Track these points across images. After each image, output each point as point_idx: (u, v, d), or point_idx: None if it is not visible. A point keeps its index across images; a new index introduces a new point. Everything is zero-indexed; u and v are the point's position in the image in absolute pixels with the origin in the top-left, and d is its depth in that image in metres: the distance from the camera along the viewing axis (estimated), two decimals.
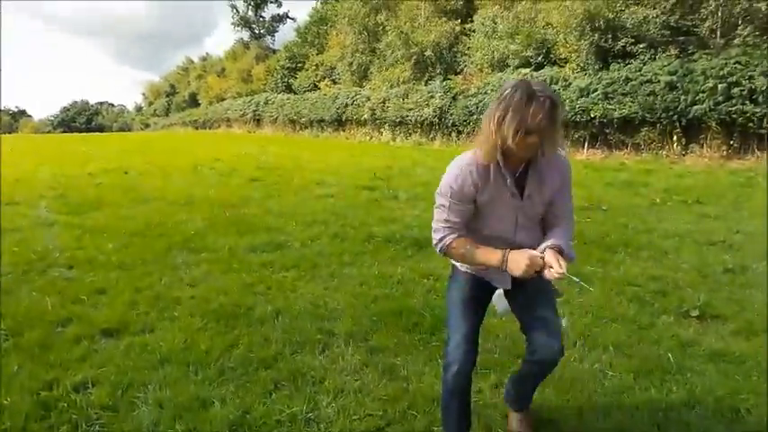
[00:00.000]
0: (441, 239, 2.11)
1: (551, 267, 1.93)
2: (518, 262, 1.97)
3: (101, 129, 67.73)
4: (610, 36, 14.97)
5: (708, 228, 6.10)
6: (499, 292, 2.29)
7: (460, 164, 2.05)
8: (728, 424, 2.45)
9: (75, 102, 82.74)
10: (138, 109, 73.36)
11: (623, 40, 14.69)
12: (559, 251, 2.01)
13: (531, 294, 2.18)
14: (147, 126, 62.59)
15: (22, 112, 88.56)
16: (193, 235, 5.84)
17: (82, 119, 77.36)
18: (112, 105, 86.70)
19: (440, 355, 3.09)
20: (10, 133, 54.51)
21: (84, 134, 46.59)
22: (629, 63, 14.42)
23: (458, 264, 2.29)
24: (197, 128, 46.06)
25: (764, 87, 11.14)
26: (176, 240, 5.61)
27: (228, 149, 18.47)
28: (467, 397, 2.18)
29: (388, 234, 5.80)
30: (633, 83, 13.79)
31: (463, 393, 2.16)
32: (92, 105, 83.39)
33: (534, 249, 2.01)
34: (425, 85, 21.07)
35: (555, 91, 15.29)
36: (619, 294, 4.02)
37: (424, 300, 3.93)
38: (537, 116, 1.82)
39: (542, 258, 1.97)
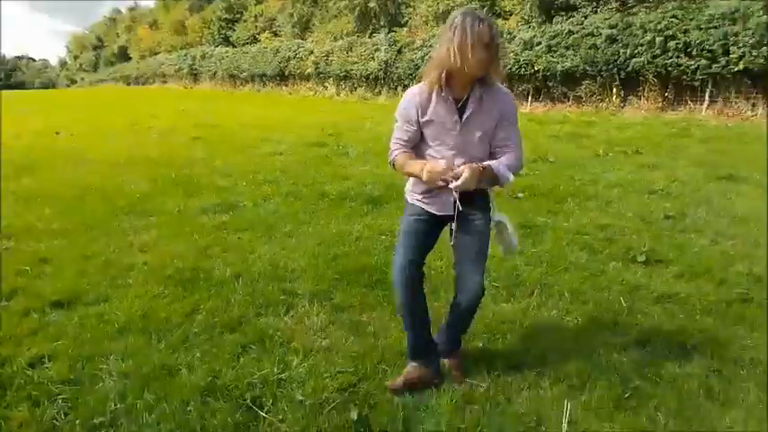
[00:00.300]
0: (390, 153, 2.39)
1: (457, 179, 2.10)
2: (429, 171, 2.15)
3: (21, 86, 63.09)
4: None
5: (648, 177, 6.38)
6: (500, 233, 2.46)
7: (410, 90, 2.33)
8: (677, 360, 2.63)
9: None
10: (63, 64, 68.67)
11: None
12: (487, 169, 2.17)
13: (470, 234, 2.36)
14: (74, 82, 58.86)
15: None
16: (138, 198, 5.61)
17: None
18: (33, 60, 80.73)
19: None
20: None
21: (4, 92, 43.32)
22: (571, 16, 14.59)
23: (407, 196, 2.50)
24: (129, 84, 43.71)
25: (699, 41, 11.55)
26: (121, 204, 5.38)
27: (166, 106, 17.66)
28: (418, 307, 2.45)
29: (342, 191, 5.76)
30: (575, 36, 14.00)
31: (413, 302, 2.41)
32: (8, 60, 77.29)
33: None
34: (370, 38, 20.68)
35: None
36: (570, 243, 4.18)
37: (384, 257, 3.95)
38: (487, 34, 2.08)
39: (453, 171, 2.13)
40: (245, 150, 8.66)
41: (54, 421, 2.26)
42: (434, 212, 2.40)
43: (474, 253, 2.37)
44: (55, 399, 2.39)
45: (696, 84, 12.15)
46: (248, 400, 2.36)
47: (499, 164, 2.22)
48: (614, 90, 13.74)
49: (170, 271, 3.72)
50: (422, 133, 2.32)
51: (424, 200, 2.41)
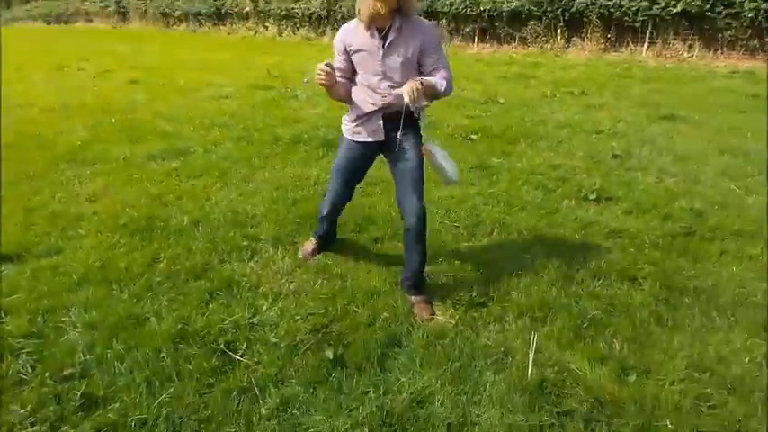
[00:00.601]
0: None
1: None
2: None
3: None
4: None
5: (594, 117, 6.56)
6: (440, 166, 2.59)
7: (344, 25, 2.58)
8: (629, 291, 2.81)
9: None
10: None
11: None
12: (425, 82, 2.37)
13: (402, 161, 2.59)
14: None
15: None
16: (80, 146, 5.30)
17: None
18: None
19: (370, 251, 3.19)
20: None
21: None
22: None
23: (342, 129, 2.75)
24: (49, 23, 40.31)
25: None
26: (60, 152, 5.08)
27: (95, 48, 16.46)
28: (331, 229, 3.12)
29: (294, 135, 5.65)
30: None
31: (331, 223, 3.06)
32: None
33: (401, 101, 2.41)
34: None
35: None
36: (525, 184, 4.30)
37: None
38: None
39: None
40: (188, 94, 8.27)
41: (21, 375, 2.20)
42: (366, 140, 2.64)
43: (409, 179, 2.58)
44: (18, 353, 2.32)
45: (637, 25, 12.39)
46: (222, 345, 2.38)
47: (435, 80, 2.44)
48: (559, 31, 13.84)
49: (124, 220, 3.59)
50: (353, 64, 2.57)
51: (355, 127, 2.65)
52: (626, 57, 12.28)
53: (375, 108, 2.55)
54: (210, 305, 2.68)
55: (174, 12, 27.14)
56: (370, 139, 2.63)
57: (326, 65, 2.42)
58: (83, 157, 4.98)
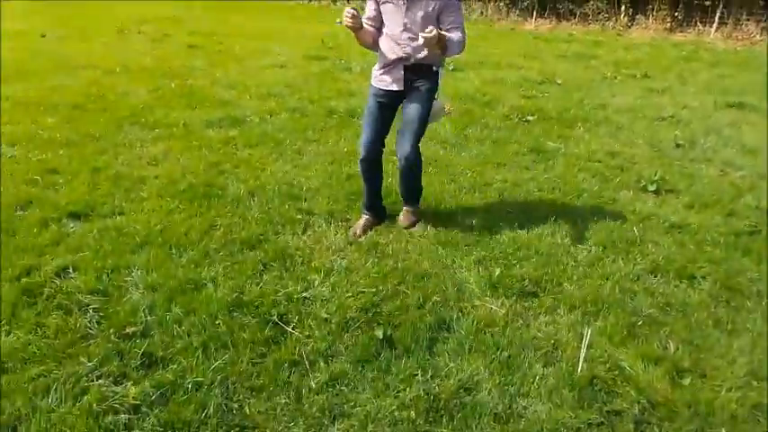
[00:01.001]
0: None
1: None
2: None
3: None
4: None
5: (657, 102, 6.30)
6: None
7: None
8: (687, 290, 2.73)
9: None
10: None
11: None
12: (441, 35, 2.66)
13: (411, 103, 2.97)
14: None
15: None
16: (141, 109, 5.46)
17: None
18: None
19: (422, 233, 3.20)
20: None
21: None
22: None
23: (372, 78, 3.09)
24: None
25: None
26: (123, 114, 5.24)
27: (152, 11, 16.76)
28: (375, 178, 3.21)
29: (349, 109, 5.65)
30: None
31: (371, 175, 3.18)
32: None
33: (420, 51, 2.83)
34: None
35: None
36: (582, 170, 4.19)
37: (396, 178, 3.94)
38: None
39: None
40: (244, 61, 8.35)
41: (88, 329, 2.32)
42: (389, 88, 2.98)
43: (409, 121, 2.95)
44: (86, 308, 2.45)
45: (707, 3, 11.74)
46: (275, 317, 2.44)
47: (449, 33, 2.73)
48: (623, 8, 13.26)
49: (183, 186, 3.70)
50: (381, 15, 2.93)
51: (381, 75, 3.00)
52: (693, 37, 11.69)
53: (397, 57, 2.89)
54: (264, 276, 2.74)
55: None
56: (393, 87, 2.98)
57: (353, 8, 2.76)
58: (144, 119, 5.13)
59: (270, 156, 4.33)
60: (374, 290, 2.66)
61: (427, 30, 2.58)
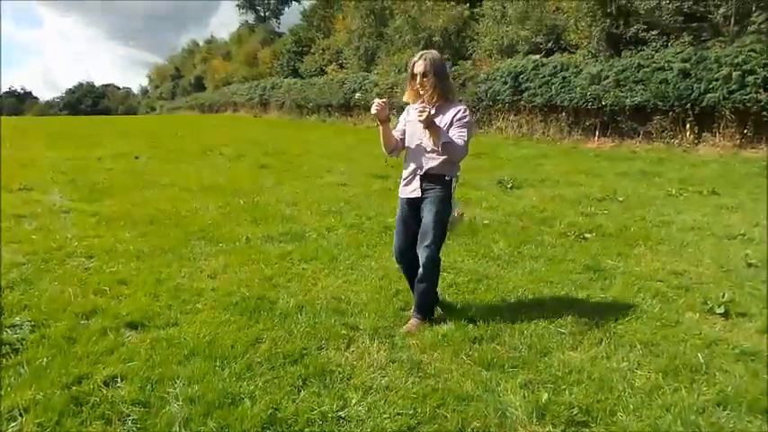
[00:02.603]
0: None
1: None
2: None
3: (107, 111, 67.54)
4: (621, 22, 14.80)
5: (726, 220, 6.05)
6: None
7: (410, 105, 3.39)
8: (762, 426, 2.44)
9: (81, 84, 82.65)
10: (144, 92, 73.21)
11: (635, 27, 14.52)
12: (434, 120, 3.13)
13: (426, 212, 3.30)
14: (153, 109, 62.46)
15: (28, 94, 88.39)
16: (209, 224, 5.84)
17: (88, 101, 77.16)
18: (118, 88, 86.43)
19: (467, 352, 3.09)
20: (16, 115, 54.32)
21: (91, 117, 46.44)
22: (641, 50, 14.25)
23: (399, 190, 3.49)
24: (203, 111, 45.93)
25: None
26: (193, 230, 5.61)
27: (236, 134, 18.42)
28: (411, 274, 3.46)
29: None
30: (645, 70, 13.65)
31: (411, 275, 3.47)
32: (97, 88, 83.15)
33: (432, 162, 3.28)
34: None
35: (564, 78, 15.13)
36: (641, 290, 4.00)
37: (445, 294, 3.91)
38: (418, 67, 3.23)
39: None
40: (310, 179, 8.88)
41: None
42: (408, 196, 3.36)
43: (425, 228, 3.29)
44: (125, 419, 2.48)
45: None
46: None
47: (444, 134, 3.13)
48: (687, 126, 13.22)
49: (236, 298, 3.82)
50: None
51: (403, 187, 3.41)
52: (765, 153, 11.35)
53: (414, 167, 3.32)
54: (302, 392, 2.71)
55: (307, 103, 29.76)
56: (411, 196, 3.35)
57: (382, 100, 3.23)
58: (211, 234, 5.45)
59: (323, 270, 4.44)
60: (412, 412, 2.55)
61: (421, 107, 3.02)
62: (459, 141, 3.18)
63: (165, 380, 2.79)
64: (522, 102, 16.85)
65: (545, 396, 2.62)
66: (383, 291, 3.99)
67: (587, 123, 15.31)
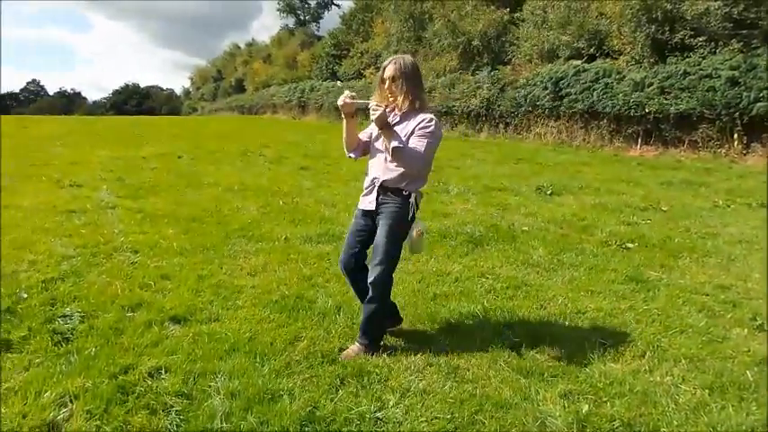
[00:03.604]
0: None
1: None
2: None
3: (151, 111, 69.52)
4: (667, 28, 14.41)
5: None
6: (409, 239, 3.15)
7: None
8: None
9: (127, 85, 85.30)
10: (187, 93, 75.04)
11: (681, 33, 14.12)
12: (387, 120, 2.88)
13: (379, 228, 3.06)
14: (195, 110, 63.98)
15: (78, 95, 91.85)
16: (250, 223, 5.94)
17: (133, 102, 79.61)
18: (161, 89, 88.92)
19: (503, 359, 3.06)
20: (66, 114, 56.48)
21: (136, 117, 47.89)
22: (687, 56, 13.87)
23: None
24: (243, 113, 46.80)
25: None
26: (234, 228, 5.72)
27: (276, 136, 18.70)
28: (356, 288, 3.27)
29: (441, 229, 5.77)
30: (692, 77, 13.28)
31: (353, 280, 3.25)
32: (142, 89, 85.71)
33: (391, 173, 3.01)
34: (472, 75, 20.79)
35: (606, 84, 14.83)
36: (686, 303, 3.89)
37: (483, 300, 3.89)
38: (387, 71, 3.01)
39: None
40: (349, 182, 8.94)
41: (168, 431, 2.40)
42: (364, 208, 3.13)
43: (375, 246, 3.07)
44: (169, 410, 2.55)
45: None
46: None
47: (399, 141, 2.88)
48: (735, 135, 12.79)
49: (276, 296, 3.89)
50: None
51: (362, 197, 3.17)
52: None
53: (372, 178, 3.10)
54: (340, 391, 2.73)
55: None
56: (365, 207, 3.13)
57: (351, 93, 2.95)
58: (252, 233, 5.55)
59: None
60: (449, 416, 2.55)
61: (375, 104, 2.83)
62: (416, 150, 2.90)
63: (206, 373, 2.85)
64: (562, 108, 16.61)
65: (585, 407, 2.58)
66: (420, 294, 4.00)
67: (629, 131, 14.97)
